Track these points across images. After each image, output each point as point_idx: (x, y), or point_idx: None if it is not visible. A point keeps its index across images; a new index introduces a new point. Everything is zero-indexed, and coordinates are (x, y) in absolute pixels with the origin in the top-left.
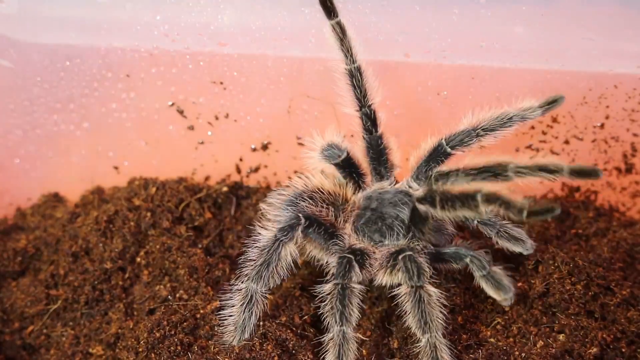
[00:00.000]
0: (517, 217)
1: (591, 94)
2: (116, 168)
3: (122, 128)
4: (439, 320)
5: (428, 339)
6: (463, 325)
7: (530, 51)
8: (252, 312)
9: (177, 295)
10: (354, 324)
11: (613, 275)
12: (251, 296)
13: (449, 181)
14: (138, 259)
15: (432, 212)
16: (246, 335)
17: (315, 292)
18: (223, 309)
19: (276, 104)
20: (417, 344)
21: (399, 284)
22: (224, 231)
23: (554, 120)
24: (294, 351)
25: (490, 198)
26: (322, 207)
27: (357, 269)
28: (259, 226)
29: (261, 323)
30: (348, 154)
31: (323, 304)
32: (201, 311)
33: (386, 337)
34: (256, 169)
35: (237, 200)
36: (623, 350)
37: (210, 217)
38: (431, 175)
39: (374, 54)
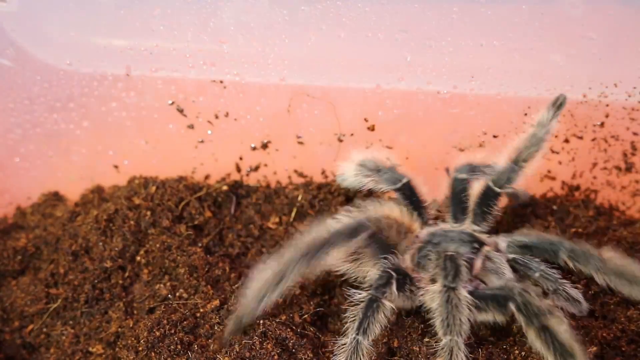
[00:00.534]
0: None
1: (591, 93)
2: (116, 167)
3: (122, 127)
4: (464, 326)
5: (449, 341)
6: None
7: (530, 50)
8: None
9: (177, 294)
10: (371, 338)
11: None
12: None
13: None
14: (138, 258)
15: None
16: None
17: (316, 292)
18: None
19: (276, 103)
20: (437, 344)
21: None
22: (224, 230)
23: None
24: (293, 350)
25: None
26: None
27: (394, 287)
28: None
29: (261, 321)
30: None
31: (351, 309)
32: (201, 310)
33: (386, 335)
34: (256, 168)
35: (237, 199)
36: (623, 349)
37: (210, 216)
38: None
39: (374, 54)
